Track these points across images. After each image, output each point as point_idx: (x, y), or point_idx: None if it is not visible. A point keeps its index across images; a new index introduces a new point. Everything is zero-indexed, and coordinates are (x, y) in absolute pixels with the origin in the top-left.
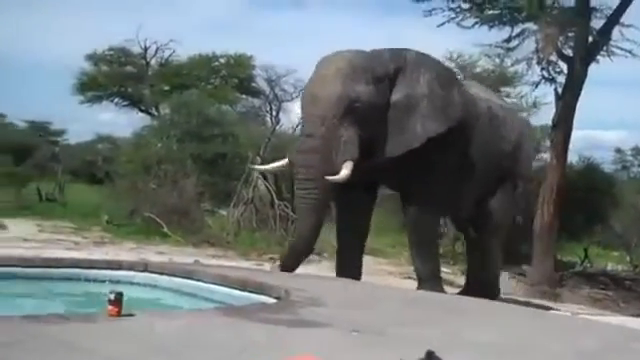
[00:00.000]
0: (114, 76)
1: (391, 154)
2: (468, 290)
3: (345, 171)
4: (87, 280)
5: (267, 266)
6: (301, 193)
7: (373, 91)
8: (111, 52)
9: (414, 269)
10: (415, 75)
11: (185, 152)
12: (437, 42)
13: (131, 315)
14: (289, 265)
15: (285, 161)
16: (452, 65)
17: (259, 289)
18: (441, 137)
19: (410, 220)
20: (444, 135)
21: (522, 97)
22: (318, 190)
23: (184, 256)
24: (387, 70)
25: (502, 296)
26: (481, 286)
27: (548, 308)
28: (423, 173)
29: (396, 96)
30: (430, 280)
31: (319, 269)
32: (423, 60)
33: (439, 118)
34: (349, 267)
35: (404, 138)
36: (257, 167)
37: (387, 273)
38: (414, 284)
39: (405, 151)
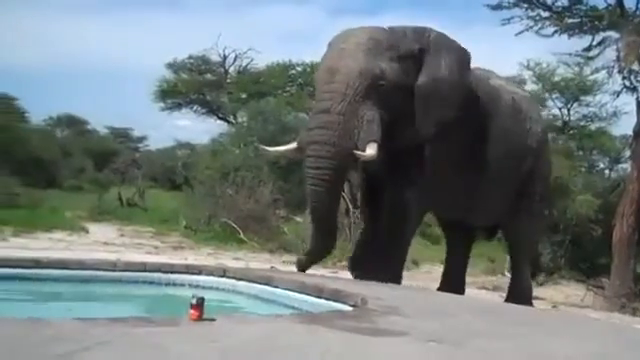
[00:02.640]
0: (193, 84)
1: (414, 139)
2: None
3: (371, 151)
4: (167, 284)
5: (343, 274)
6: (313, 173)
7: (398, 70)
8: (191, 60)
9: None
10: (437, 57)
11: (261, 159)
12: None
13: (212, 320)
14: (313, 257)
15: (294, 144)
16: (530, 74)
17: (336, 296)
18: (447, 124)
19: (387, 204)
20: (448, 123)
21: (602, 106)
22: (333, 171)
23: (260, 262)
24: (412, 49)
25: (579, 308)
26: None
27: (626, 322)
28: (415, 159)
29: (420, 79)
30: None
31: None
32: (444, 41)
33: (454, 104)
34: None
35: (426, 122)
36: (263, 147)
37: None
38: (490, 294)
39: (427, 136)
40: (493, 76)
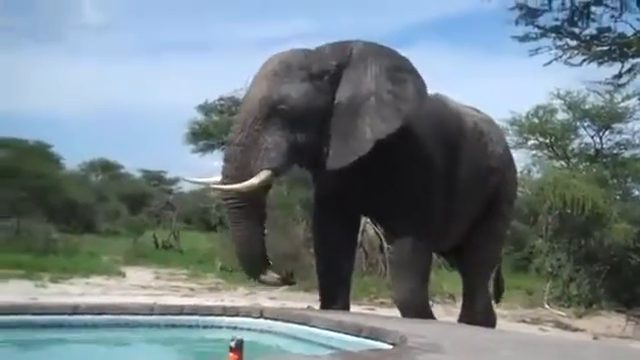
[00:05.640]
0: (224, 125)
1: (336, 164)
2: None
3: (254, 180)
4: (205, 327)
5: (379, 311)
6: (224, 204)
7: (307, 91)
8: (221, 102)
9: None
10: (361, 70)
11: (294, 197)
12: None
13: None
14: (252, 274)
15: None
16: (561, 103)
17: (375, 335)
18: (411, 147)
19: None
20: (415, 146)
21: (635, 133)
22: (240, 201)
23: (295, 301)
24: (326, 66)
25: (620, 339)
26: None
27: None
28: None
29: (339, 96)
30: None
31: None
32: (371, 51)
33: (389, 117)
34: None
35: (349, 144)
36: (189, 179)
37: (501, 317)
38: (528, 328)
39: (354, 159)
40: (449, 100)
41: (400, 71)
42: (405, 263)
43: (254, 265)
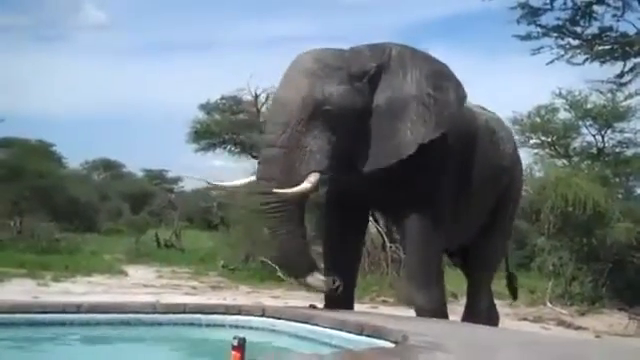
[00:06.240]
0: (226, 124)
1: (375, 166)
2: None
3: (306, 184)
4: (208, 325)
5: (381, 309)
6: (264, 208)
7: (348, 92)
8: (223, 101)
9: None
10: (401, 73)
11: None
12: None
13: None
14: (298, 276)
15: (250, 179)
16: (563, 102)
17: (377, 333)
18: (439, 148)
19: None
20: (442, 147)
21: (637, 132)
22: (283, 204)
23: (298, 300)
24: (366, 67)
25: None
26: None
27: None
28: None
29: (378, 98)
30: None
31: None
32: (410, 55)
33: (430, 122)
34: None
35: (391, 146)
36: (218, 184)
37: (503, 315)
38: (531, 326)
39: (393, 162)
40: None
41: (441, 77)
42: (420, 264)
43: (300, 268)
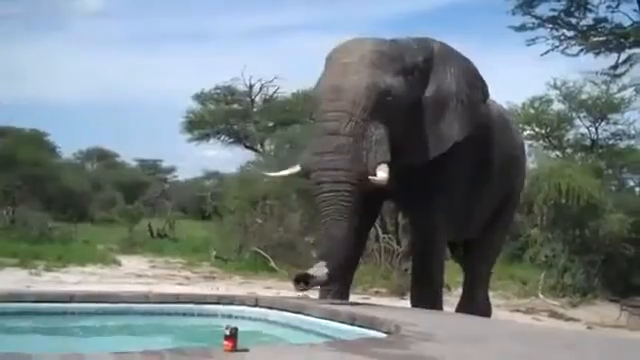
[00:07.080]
0: (220, 114)
1: (419, 159)
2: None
3: (383, 174)
4: (200, 315)
5: (374, 300)
6: (329, 197)
7: (405, 84)
8: (217, 91)
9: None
10: (443, 69)
11: (290, 187)
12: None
13: (245, 350)
14: (333, 274)
15: (298, 167)
16: (557, 93)
17: (369, 323)
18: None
19: (415, 229)
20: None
21: (631, 124)
22: (350, 195)
23: (291, 290)
24: (416, 61)
25: (614, 329)
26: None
27: None
28: (434, 177)
29: (428, 92)
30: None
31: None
32: (447, 51)
33: (464, 119)
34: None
35: (433, 142)
36: (268, 174)
37: (495, 306)
38: (523, 317)
39: (433, 157)
40: None
41: (473, 75)
42: (428, 254)
43: (341, 267)
